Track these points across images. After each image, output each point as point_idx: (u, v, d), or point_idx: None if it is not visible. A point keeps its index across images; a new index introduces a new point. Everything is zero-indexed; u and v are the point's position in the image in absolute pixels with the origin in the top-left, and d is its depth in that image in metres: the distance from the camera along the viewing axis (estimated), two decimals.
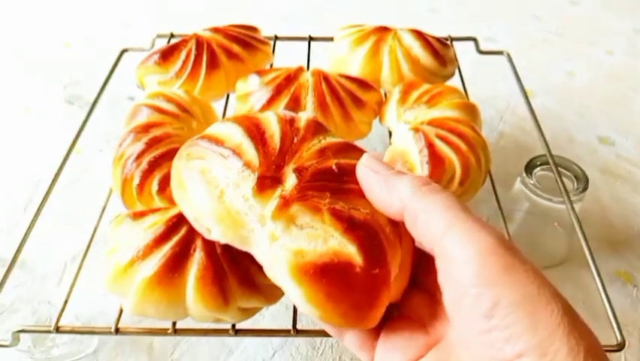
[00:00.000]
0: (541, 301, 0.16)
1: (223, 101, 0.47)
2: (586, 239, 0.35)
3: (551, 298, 0.16)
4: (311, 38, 0.54)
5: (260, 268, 0.21)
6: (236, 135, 0.23)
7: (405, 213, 0.19)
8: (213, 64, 0.45)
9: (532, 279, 0.16)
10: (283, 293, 0.22)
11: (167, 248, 0.26)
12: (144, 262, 0.26)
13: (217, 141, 0.23)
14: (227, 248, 0.23)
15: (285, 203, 0.20)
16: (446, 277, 0.18)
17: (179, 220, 0.27)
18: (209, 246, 0.26)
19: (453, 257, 0.17)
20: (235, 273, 0.26)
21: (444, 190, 0.19)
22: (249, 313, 0.28)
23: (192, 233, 0.26)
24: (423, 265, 0.23)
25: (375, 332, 0.22)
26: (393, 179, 0.20)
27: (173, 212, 0.28)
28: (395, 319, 0.22)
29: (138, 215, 0.29)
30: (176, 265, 0.25)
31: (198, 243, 0.26)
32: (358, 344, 0.22)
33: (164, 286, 0.25)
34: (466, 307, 0.16)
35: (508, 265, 0.16)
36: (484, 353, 0.16)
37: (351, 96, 0.42)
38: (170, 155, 0.36)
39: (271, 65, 0.50)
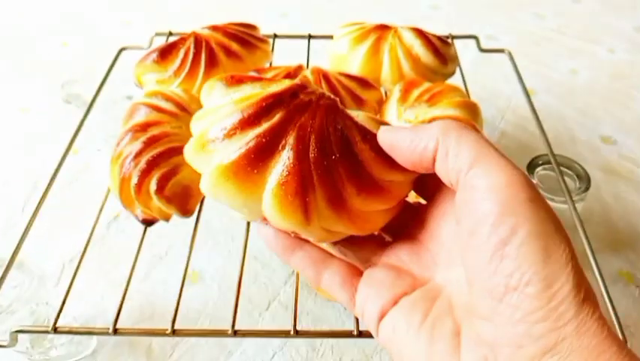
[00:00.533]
0: (555, 239, 0.16)
1: None
2: (588, 239, 0.34)
3: (564, 240, 0.17)
4: (310, 36, 0.54)
5: (359, 188, 0.21)
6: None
7: (438, 149, 0.19)
8: (212, 62, 0.44)
9: (551, 216, 0.17)
10: (376, 225, 0.22)
11: (252, 135, 0.21)
12: (224, 144, 0.21)
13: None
14: (323, 154, 0.20)
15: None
16: (467, 205, 0.18)
17: (277, 102, 0.21)
18: (303, 145, 0.20)
19: (478, 185, 0.17)
20: (325, 188, 0.21)
21: (474, 126, 0.20)
22: (334, 235, 0.23)
23: (288, 123, 0.21)
24: (413, 218, 0.24)
25: (358, 271, 0.23)
26: (422, 127, 0.20)
27: (273, 88, 0.22)
28: (379, 264, 0.23)
29: (234, 81, 0.24)
30: (258, 159, 0.20)
31: (290, 139, 0.21)
32: (339, 280, 0.22)
33: (240, 179, 0.21)
34: (483, 235, 0.17)
35: (531, 199, 0.17)
36: (490, 282, 0.17)
37: (351, 95, 0.42)
38: (168, 154, 0.35)
39: (270, 64, 0.50)
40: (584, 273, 0.17)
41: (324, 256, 0.23)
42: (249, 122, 0.21)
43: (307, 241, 0.23)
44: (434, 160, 0.19)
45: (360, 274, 0.22)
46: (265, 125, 0.21)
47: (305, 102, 0.22)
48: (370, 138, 0.22)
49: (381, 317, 0.21)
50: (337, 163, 0.21)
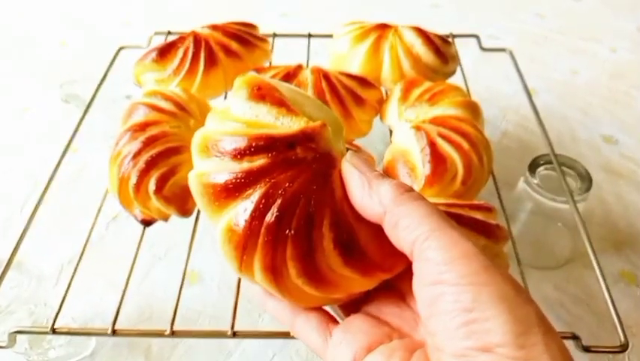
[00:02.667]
0: (518, 302, 0.17)
1: (221, 99, 0.47)
2: (590, 239, 0.34)
3: (528, 301, 0.17)
4: (310, 36, 0.53)
5: (300, 272, 0.20)
6: None
7: (385, 217, 0.20)
8: (211, 61, 0.44)
9: (510, 281, 0.17)
10: (317, 303, 0.22)
11: (233, 167, 0.20)
12: (215, 160, 0.21)
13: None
14: (279, 223, 0.19)
15: None
16: (425, 277, 0.18)
17: (267, 147, 0.20)
18: (265, 205, 0.19)
19: (433, 258, 0.18)
20: (266, 256, 0.20)
21: (424, 198, 0.20)
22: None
23: (264, 174, 0.20)
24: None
25: (332, 318, 0.22)
26: (376, 182, 0.20)
27: (276, 130, 0.21)
28: (359, 312, 0.22)
29: (256, 95, 0.22)
30: (226, 192, 0.20)
31: (257, 192, 0.20)
32: (314, 324, 0.22)
33: (209, 198, 0.21)
34: (447, 303, 0.17)
35: (488, 267, 0.17)
36: (461, 345, 0.17)
37: (352, 94, 0.42)
38: (167, 154, 0.35)
39: (270, 63, 0.50)
40: (554, 329, 0.17)
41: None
42: (235, 153, 0.20)
43: None
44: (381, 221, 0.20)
45: (337, 321, 0.22)
46: (244, 166, 0.20)
47: (296, 159, 0.20)
48: (341, 225, 0.20)
49: None
50: (287, 239, 0.19)
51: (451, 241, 0.18)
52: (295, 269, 0.20)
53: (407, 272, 0.22)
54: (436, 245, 0.18)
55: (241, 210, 0.20)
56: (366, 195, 0.20)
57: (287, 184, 0.20)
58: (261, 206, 0.19)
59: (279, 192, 0.19)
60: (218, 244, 0.20)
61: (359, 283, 0.21)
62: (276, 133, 0.21)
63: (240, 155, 0.20)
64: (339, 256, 0.20)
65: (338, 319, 0.23)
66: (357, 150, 0.23)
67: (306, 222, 0.20)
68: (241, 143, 0.20)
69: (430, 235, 0.18)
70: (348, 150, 0.22)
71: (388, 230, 0.20)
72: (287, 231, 0.19)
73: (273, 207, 0.19)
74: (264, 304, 0.23)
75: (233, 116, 0.22)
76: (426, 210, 0.19)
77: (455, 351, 0.17)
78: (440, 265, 0.17)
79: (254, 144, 0.20)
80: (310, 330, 0.22)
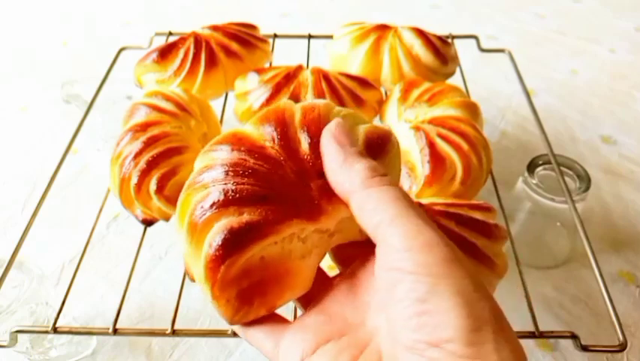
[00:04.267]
0: (474, 298, 0.16)
1: (222, 99, 0.47)
2: (588, 239, 0.34)
3: (485, 298, 0.17)
4: (310, 36, 0.54)
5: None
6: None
7: (353, 197, 0.19)
8: (212, 62, 0.44)
9: (470, 276, 0.17)
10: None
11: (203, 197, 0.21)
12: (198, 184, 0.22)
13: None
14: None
15: None
16: (385, 263, 0.18)
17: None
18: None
19: (395, 244, 0.17)
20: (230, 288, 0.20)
21: (395, 184, 0.20)
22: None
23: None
24: (358, 253, 0.23)
25: (284, 321, 0.22)
26: (351, 160, 0.20)
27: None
28: (314, 308, 0.22)
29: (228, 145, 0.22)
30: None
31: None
32: (266, 329, 0.21)
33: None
34: (402, 292, 0.17)
35: (450, 260, 0.17)
36: (411, 337, 0.16)
37: (352, 95, 0.42)
38: (168, 154, 0.35)
39: (270, 64, 0.50)
40: (510, 329, 0.17)
41: None
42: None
43: None
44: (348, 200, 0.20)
45: (285, 322, 0.21)
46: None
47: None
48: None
49: None
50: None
51: (415, 228, 0.17)
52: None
53: (364, 262, 0.22)
54: (398, 231, 0.17)
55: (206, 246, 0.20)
56: (339, 171, 0.20)
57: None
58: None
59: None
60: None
61: None
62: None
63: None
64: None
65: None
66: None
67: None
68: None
69: (394, 221, 0.18)
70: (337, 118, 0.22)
71: (355, 211, 0.19)
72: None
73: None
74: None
75: (212, 158, 0.22)
76: (393, 195, 0.18)
77: (405, 342, 0.17)
78: (400, 252, 0.17)
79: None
80: (261, 336, 0.21)
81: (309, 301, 0.22)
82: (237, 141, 0.21)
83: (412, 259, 0.17)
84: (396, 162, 0.24)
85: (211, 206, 0.20)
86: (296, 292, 0.21)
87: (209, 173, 0.21)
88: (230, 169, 0.20)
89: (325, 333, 0.20)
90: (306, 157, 0.21)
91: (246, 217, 0.19)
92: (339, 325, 0.20)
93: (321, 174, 0.21)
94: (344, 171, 0.19)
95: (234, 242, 0.19)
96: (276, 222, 0.19)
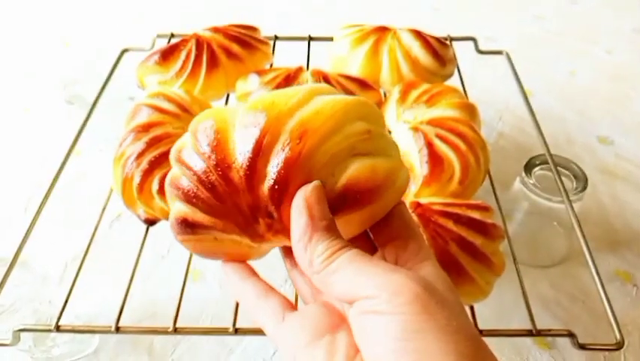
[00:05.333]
0: (452, 331, 0.16)
1: (223, 100, 0.47)
2: (585, 239, 0.35)
3: (460, 330, 0.17)
4: (311, 38, 0.54)
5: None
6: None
7: (313, 277, 0.20)
8: (213, 64, 0.45)
9: (441, 309, 0.17)
10: None
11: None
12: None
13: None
14: None
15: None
16: (358, 308, 0.18)
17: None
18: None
19: (368, 293, 0.18)
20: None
21: (348, 250, 0.19)
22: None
23: None
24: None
25: (292, 305, 0.22)
26: (316, 239, 0.19)
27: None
28: (318, 301, 0.22)
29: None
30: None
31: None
32: (272, 308, 0.22)
33: None
34: (379, 333, 0.17)
35: (418, 296, 0.17)
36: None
37: (351, 95, 0.42)
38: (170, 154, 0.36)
39: (271, 65, 0.50)
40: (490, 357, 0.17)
41: (267, 288, 0.23)
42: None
43: (255, 274, 0.24)
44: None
45: (294, 309, 0.22)
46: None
47: None
48: None
49: (295, 351, 0.20)
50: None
51: (382, 276, 0.18)
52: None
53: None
54: (367, 284, 0.18)
55: None
56: (302, 249, 0.19)
57: None
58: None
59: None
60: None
61: None
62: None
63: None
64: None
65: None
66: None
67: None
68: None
69: (358, 277, 0.18)
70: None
71: (319, 287, 0.20)
72: None
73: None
74: (232, 282, 0.23)
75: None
76: (350, 258, 0.19)
77: None
78: (371, 299, 0.17)
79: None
80: (266, 311, 0.22)
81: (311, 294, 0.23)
82: (214, 147, 0.21)
83: (385, 301, 0.17)
84: (388, 199, 0.21)
85: (177, 188, 0.22)
86: (251, 259, 0.24)
87: (184, 163, 0.22)
88: (198, 177, 0.21)
89: (325, 325, 0.20)
90: (263, 197, 0.20)
91: (197, 216, 0.22)
92: (338, 320, 0.20)
93: (271, 216, 0.20)
94: (307, 250, 0.19)
95: (186, 227, 0.22)
96: (222, 231, 0.22)
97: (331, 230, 0.20)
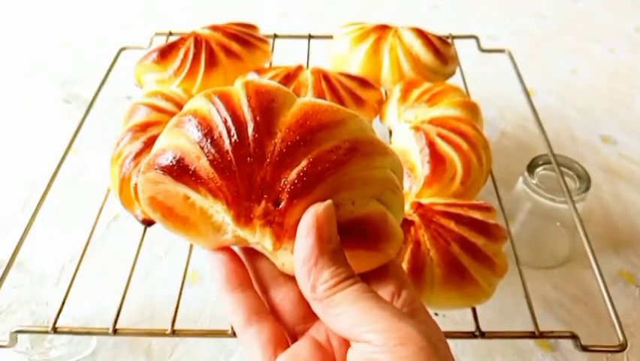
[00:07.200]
0: None
1: None
2: (588, 239, 0.34)
3: None
4: (310, 36, 0.54)
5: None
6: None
7: (314, 304, 0.19)
8: (212, 62, 0.44)
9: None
10: None
11: None
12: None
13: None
14: None
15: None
16: (359, 354, 0.18)
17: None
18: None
19: (372, 341, 0.17)
20: None
21: (355, 282, 0.19)
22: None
23: None
24: None
25: (285, 341, 0.21)
26: (321, 264, 0.18)
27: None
28: (306, 336, 0.21)
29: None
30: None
31: None
32: (264, 339, 0.20)
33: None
34: None
35: (423, 348, 0.16)
36: None
37: (352, 95, 0.42)
38: None
39: (270, 64, 0.50)
40: None
41: (261, 308, 0.21)
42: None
43: (251, 287, 0.22)
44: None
45: (286, 346, 0.21)
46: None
47: None
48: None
49: None
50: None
51: (388, 324, 0.17)
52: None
53: None
54: (371, 328, 0.17)
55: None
56: (306, 272, 0.18)
57: None
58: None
59: None
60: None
61: None
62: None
63: None
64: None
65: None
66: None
67: None
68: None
69: (364, 318, 0.17)
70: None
71: (319, 315, 0.19)
72: None
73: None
74: (223, 294, 0.22)
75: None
76: (357, 295, 0.18)
77: None
78: (375, 346, 0.17)
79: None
80: (257, 346, 0.20)
81: (297, 323, 0.22)
82: (266, 111, 0.20)
83: (389, 352, 0.16)
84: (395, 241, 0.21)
85: (201, 120, 0.20)
86: (197, 242, 0.22)
87: (229, 104, 0.20)
88: (235, 124, 0.20)
89: None
90: (284, 181, 0.19)
91: (197, 162, 0.19)
92: (328, 355, 0.20)
93: (277, 203, 0.19)
94: (312, 275, 0.18)
95: (174, 165, 0.20)
96: (209, 192, 0.19)
97: (338, 256, 0.19)
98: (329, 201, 0.19)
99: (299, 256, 0.19)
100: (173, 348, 0.41)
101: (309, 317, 0.21)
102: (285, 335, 0.21)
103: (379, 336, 0.17)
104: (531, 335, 0.31)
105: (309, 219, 0.18)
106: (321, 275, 0.18)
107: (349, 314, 0.18)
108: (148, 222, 0.36)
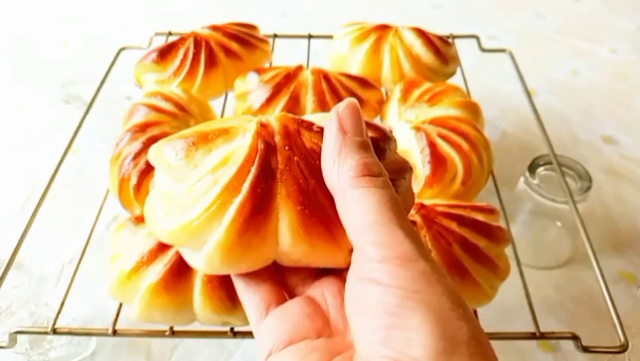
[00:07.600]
0: (450, 316, 0.15)
1: (222, 99, 0.47)
2: (589, 240, 0.34)
3: (463, 318, 0.15)
4: (310, 36, 0.53)
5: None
6: None
7: (338, 194, 0.18)
8: (212, 62, 0.44)
9: (450, 294, 0.16)
10: None
11: (171, 253, 0.25)
12: (149, 268, 0.26)
13: None
14: None
15: None
16: (358, 272, 0.17)
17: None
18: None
19: (370, 253, 0.16)
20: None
21: (385, 184, 0.18)
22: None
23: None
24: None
25: (279, 298, 0.21)
26: (345, 152, 0.18)
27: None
28: (303, 295, 0.21)
29: (140, 219, 0.28)
30: (181, 269, 0.25)
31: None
32: (258, 300, 0.20)
33: (170, 291, 0.25)
34: (370, 303, 0.16)
35: (428, 274, 0.16)
36: (376, 351, 0.15)
37: (352, 95, 0.42)
38: None
39: (270, 64, 0.50)
40: (490, 354, 0.15)
41: (259, 278, 0.21)
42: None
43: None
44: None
45: (282, 302, 0.21)
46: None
47: None
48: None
49: (269, 354, 0.19)
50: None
51: (394, 239, 0.16)
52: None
53: None
54: (375, 239, 0.16)
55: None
56: (331, 163, 0.18)
57: None
58: None
59: None
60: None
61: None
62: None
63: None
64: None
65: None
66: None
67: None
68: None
69: (372, 228, 0.16)
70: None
71: (339, 209, 0.18)
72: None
73: None
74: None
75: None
76: (377, 200, 0.17)
77: (369, 357, 0.15)
78: (374, 262, 0.16)
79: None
80: (250, 306, 0.20)
81: (296, 286, 0.21)
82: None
83: (385, 270, 0.16)
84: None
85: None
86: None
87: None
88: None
89: (303, 329, 0.19)
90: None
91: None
92: (320, 324, 0.19)
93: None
94: (336, 164, 0.18)
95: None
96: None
97: (366, 149, 0.18)
98: (350, 99, 0.20)
99: (324, 147, 0.19)
100: (172, 349, 0.40)
101: (309, 278, 0.21)
102: (284, 295, 0.21)
103: (380, 250, 0.16)
104: (532, 336, 0.31)
105: (331, 115, 0.19)
106: (345, 163, 0.18)
107: (363, 217, 0.17)
108: None
